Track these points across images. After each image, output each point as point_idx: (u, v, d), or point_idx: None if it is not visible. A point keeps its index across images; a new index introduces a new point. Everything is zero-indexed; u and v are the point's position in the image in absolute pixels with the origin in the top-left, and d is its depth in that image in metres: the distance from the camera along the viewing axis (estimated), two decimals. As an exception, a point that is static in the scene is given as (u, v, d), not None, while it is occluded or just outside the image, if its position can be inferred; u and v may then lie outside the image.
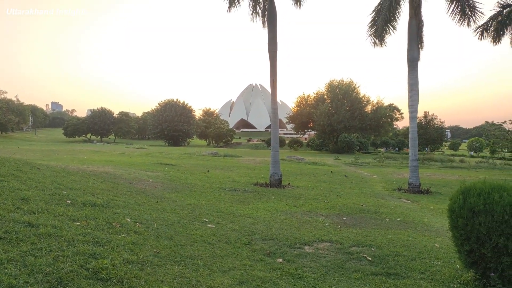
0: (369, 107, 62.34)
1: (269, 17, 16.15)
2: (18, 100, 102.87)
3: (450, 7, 15.67)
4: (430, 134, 68.25)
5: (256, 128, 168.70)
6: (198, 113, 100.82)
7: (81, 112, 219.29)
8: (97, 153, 27.27)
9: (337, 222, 8.67)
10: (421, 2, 15.88)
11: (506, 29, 18.13)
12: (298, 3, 16.38)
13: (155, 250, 4.90)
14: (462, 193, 4.74)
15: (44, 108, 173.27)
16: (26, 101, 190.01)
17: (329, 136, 63.90)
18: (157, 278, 3.97)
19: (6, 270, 3.30)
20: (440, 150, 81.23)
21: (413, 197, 14.12)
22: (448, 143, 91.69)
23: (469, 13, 15.56)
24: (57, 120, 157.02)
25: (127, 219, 6.18)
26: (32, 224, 4.64)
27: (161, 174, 15.05)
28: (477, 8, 15.51)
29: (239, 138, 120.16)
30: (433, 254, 6.07)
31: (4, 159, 9.62)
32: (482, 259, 4.52)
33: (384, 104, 63.41)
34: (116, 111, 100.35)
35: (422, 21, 16.40)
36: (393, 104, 68.29)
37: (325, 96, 63.99)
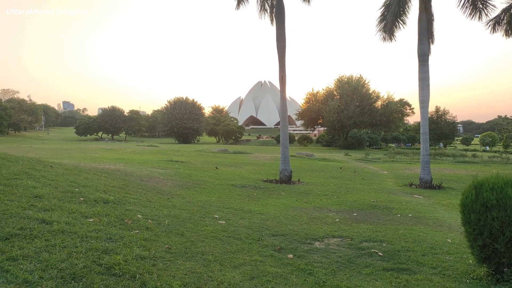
0: (379, 103, 61.67)
1: (277, 13, 16.09)
2: (30, 100, 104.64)
3: (461, 0, 15.46)
4: (442, 129, 67.31)
5: (265, 125, 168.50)
6: (207, 111, 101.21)
7: (92, 111, 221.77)
8: (108, 151, 27.56)
9: (347, 218, 8.65)
10: (431, -5, 15.69)
11: (519, 21, 17.79)
12: (307, -1, 16.30)
13: (166, 246, 4.94)
14: (475, 188, 4.70)
15: (56, 108, 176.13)
16: (38, 100, 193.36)
17: (338, 132, 63.49)
18: (169, 273, 4.00)
19: (22, 266, 3.36)
20: (452, 145, 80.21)
21: (424, 193, 13.99)
22: (460, 138, 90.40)
23: (481, 6, 15.33)
24: (69, 119, 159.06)
25: (139, 215, 6.25)
26: (46, 221, 4.71)
27: (172, 171, 15.15)
28: (489, 1, 15.30)
29: (249, 135, 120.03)
30: (445, 249, 6.02)
31: (18, 157, 9.79)
32: (495, 254, 4.48)
33: (395, 99, 62.64)
34: (126, 110, 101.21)
35: (433, 15, 16.20)
36: (403, 99, 67.31)
37: (335, 92, 63.60)
